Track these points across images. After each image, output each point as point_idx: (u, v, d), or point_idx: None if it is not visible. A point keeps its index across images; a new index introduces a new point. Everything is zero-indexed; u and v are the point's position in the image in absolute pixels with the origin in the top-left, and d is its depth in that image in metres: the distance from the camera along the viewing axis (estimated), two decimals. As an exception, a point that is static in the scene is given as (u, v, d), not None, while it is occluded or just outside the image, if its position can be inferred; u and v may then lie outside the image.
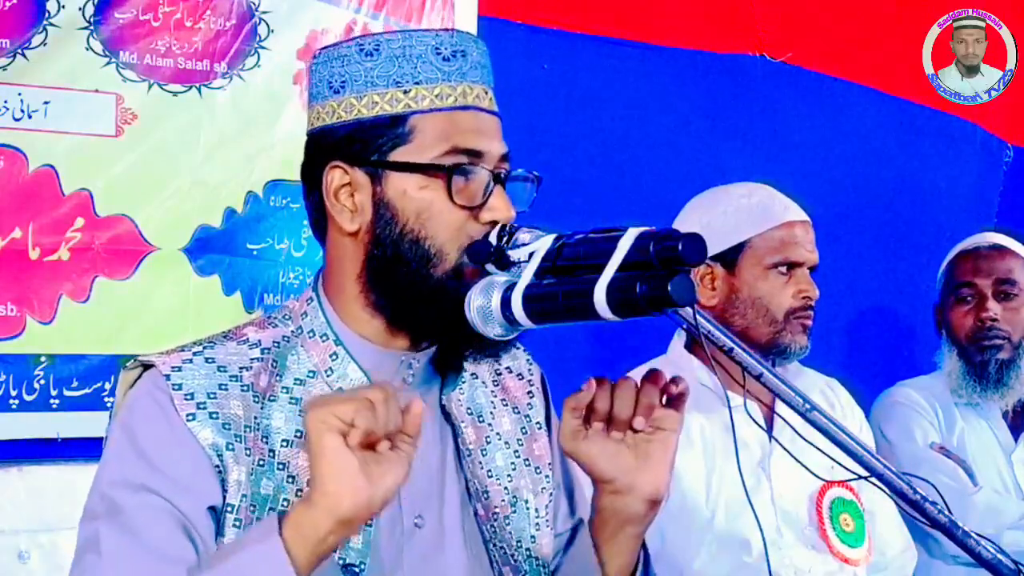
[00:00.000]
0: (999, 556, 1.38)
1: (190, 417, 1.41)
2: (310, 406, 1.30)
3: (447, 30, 1.54)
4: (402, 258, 1.47)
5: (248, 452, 1.43)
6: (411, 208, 1.47)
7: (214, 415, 1.42)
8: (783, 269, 2.52)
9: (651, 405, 1.48)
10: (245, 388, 1.46)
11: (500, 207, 1.47)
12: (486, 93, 1.53)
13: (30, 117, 2.53)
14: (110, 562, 1.37)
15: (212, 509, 1.41)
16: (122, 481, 1.41)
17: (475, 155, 1.48)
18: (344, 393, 1.37)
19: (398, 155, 1.48)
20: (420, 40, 1.50)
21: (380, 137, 1.48)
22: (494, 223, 1.47)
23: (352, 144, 1.49)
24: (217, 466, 1.41)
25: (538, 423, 1.68)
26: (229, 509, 1.41)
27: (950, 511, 1.39)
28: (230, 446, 1.42)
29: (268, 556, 1.28)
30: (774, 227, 2.54)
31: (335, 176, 1.50)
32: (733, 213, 2.56)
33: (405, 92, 1.48)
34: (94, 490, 1.45)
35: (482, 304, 1.39)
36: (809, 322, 2.53)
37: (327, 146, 1.51)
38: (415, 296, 1.47)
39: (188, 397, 1.43)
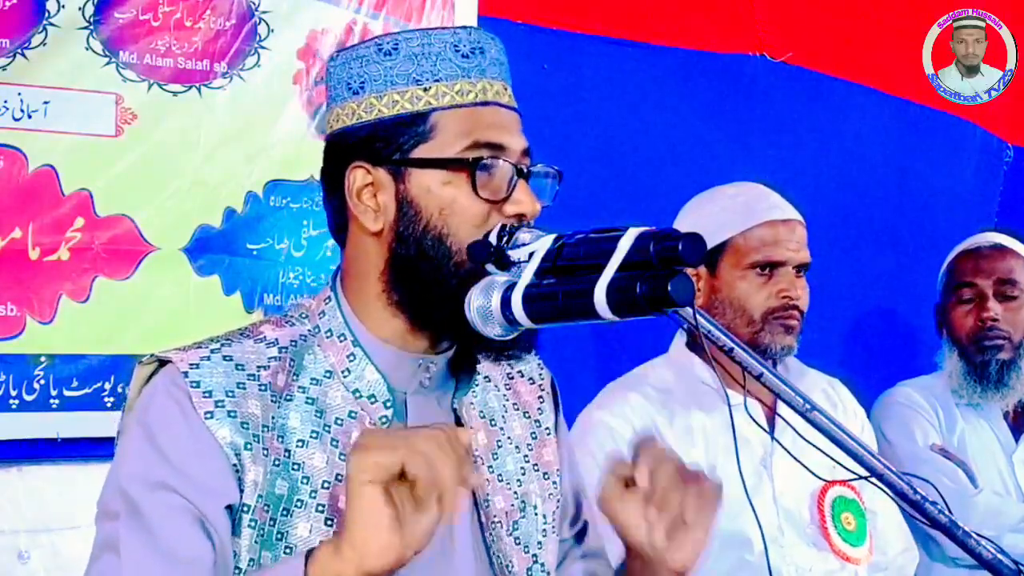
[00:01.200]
0: (999, 556, 1.38)
1: (208, 415, 1.41)
2: (352, 450, 1.28)
3: (465, 28, 1.54)
4: (425, 255, 1.46)
5: (266, 452, 1.42)
6: (434, 204, 1.46)
7: (232, 414, 1.42)
8: (763, 269, 2.51)
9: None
10: (263, 387, 1.45)
11: (525, 200, 1.47)
12: (505, 89, 1.53)
13: (30, 117, 2.53)
14: (130, 563, 1.36)
15: (229, 508, 1.41)
16: (141, 478, 1.40)
17: (497, 148, 1.48)
18: (389, 433, 1.33)
19: (420, 152, 1.48)
20: (439, 38, 1.50)
21: (402, 135, 1.48)
22: (519, 216, 1.47)
23: (374, 143, 1.49)
24: (235, 465, 1.40)
25: (547, 429, 1.67)
26: (245, 509, 1.41)
27: (950, 511, 1.39)
28: (248, 446, 1.41)
29: None
30: (753, 227, 2.53)
31: (357, 176, 1.50)
32: (718, 213, 2.56)
33: (425, 90, 1.48)
34: (110, 485, 1.43)
35: (482, 304, 1.39)
36: (792, 322, 2.50)
37: (348, 147, 1.51)
38: (438, 294, 1.46)
39: (206, 395, 1.42)
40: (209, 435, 1.40)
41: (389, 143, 1.48)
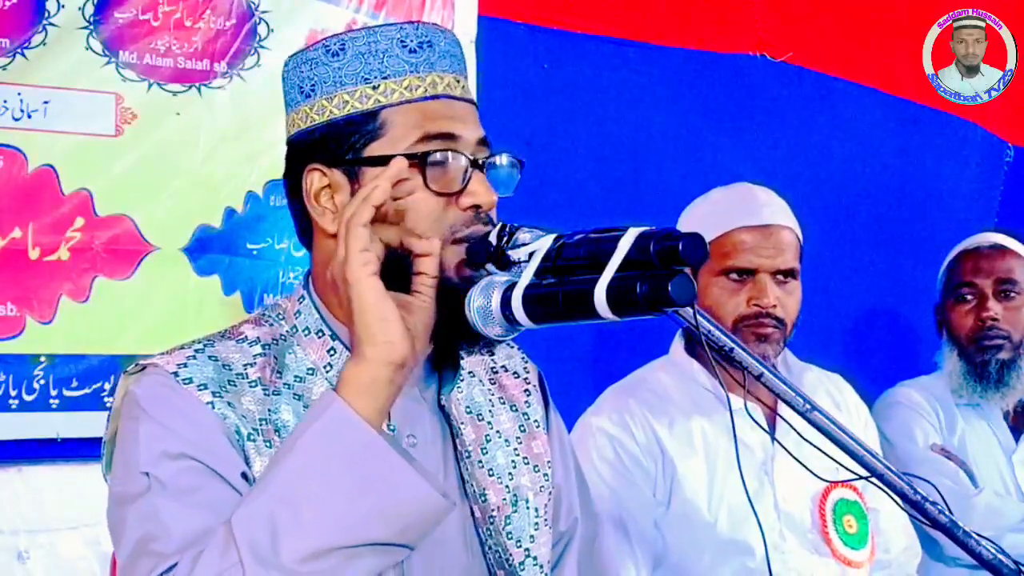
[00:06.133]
0: (1000, 556, 1.38)
1: (210, 405, 1.41)
2: (347, 252, 1.34)
3: (412, 22, 1.54)
4: (385, 254, 1.44)
5: (268, 444, 1.42)
6: (389, 202, 1.44)
7: (231, 405, 1.42)
8: (736, 275, 2.47)
9: None
10: (253, 384, 1.45)
11: (480, 191, 1.46)
12: (457, 82, 1.52)
13: (30, 117, 2.53)
14: (174, 522, 1.34)
15: (244, 477, 1.40)
16: (159, 455, 1.38)
17: (449, 138, 1.47)
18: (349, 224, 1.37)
19: (372, 150, 1.47)
20: (384, 35, 1.50)
21: (353, 135, 1.48)
22: (476, 208, 1.46)
23: (327, 145, 1.49)
24: (244, 455, 1.40)
25: (536, 422, 1.67)
26: None
27: (951, 511, 1.39)
28: (251, 437, 1.41)
29: (340, 422, 1.29)
30: (727, 232, 2.49)
31: (314, 179, 1.51)
32: (701, 218, 2.54)
33: (374, 88, 1.48)
34: (128, 474, 1.40)
35: (482, 304, 1.38)
36: (765, 330, 2.44)
37: (304, 151, 1.52)
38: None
39: (201, 388, 1.42)
40: (214, 415, 1.40)
41: (342, 144, 1.48)
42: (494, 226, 1.46)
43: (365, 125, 1.47)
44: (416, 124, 1.47)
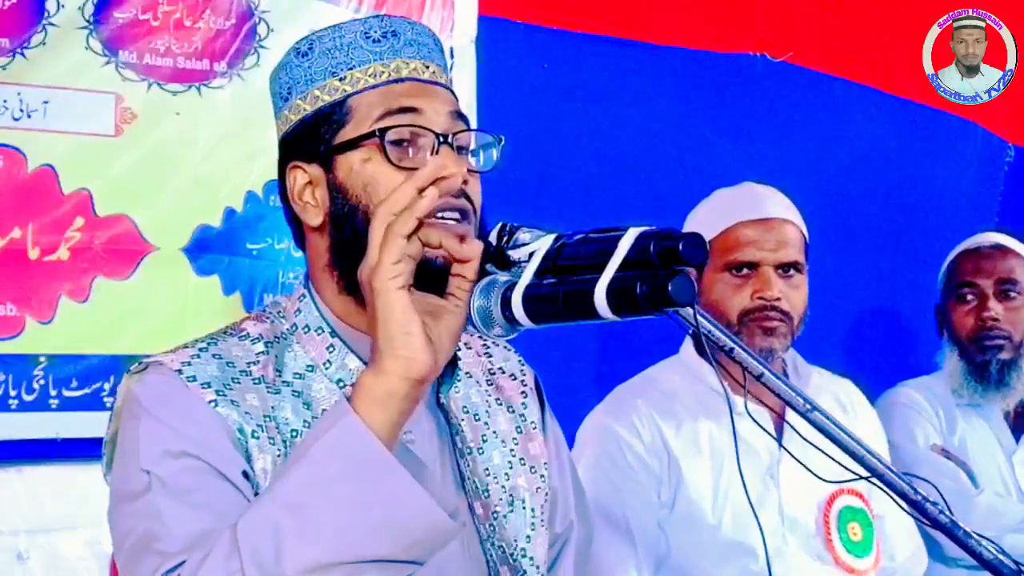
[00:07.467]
0: (1000, 557, 1.38)
1: (213, 403, 1.41)
2: (375, 263, 1.31)
3: (376, 16, 1.57)
4: (357, 233, 1.45)
5: (272, 441, 1.43)
6: (359, 183, 1.47)
7: (235, 402, 1.42)
8: (738, 269, 2.47)
9: None
10: (257, 381, 1.46)
11: (448, 165, 1.43)
12: (426, 67, 1.53)
13: (30, 117, 2.53)
14: (177, 525, 1.34)
15: (246, 476, 1.40)
16: (160, 453, 1.38)
17: (411, 112, 1.48)
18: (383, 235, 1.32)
19: (340, 137, 1.50)
20: (349, 29, 1.53)
21: (323, 126, 1.50)
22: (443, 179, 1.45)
23: (303, 141, 1.52)
24: (246, 452, 1.41)
25: (532, 423, 1.68)
26: (258, 493, 1.40)
27: (951, 511, 1.39)
28: (255, 434, 1.42)
29: (351, 436, 1.27)
30: (728, 228, 2.50)
31: (297, 177, 1.53)
32: (704, 216, 2.55)
33: (341, 79, 1.50)
34: (129, 473, 1.40)
35: (482, 304, 1.38)
36: (771, 323, 2.44)
37: (286, 152, 1.55)
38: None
39: (205, 386, 1.42)
40: (216, 415, 1.41)
41: (314, 137, 1.51)
42: (468, 200, 1.47)
43: (333, 115, 1.50)
44: (379, 104, 1.49)
